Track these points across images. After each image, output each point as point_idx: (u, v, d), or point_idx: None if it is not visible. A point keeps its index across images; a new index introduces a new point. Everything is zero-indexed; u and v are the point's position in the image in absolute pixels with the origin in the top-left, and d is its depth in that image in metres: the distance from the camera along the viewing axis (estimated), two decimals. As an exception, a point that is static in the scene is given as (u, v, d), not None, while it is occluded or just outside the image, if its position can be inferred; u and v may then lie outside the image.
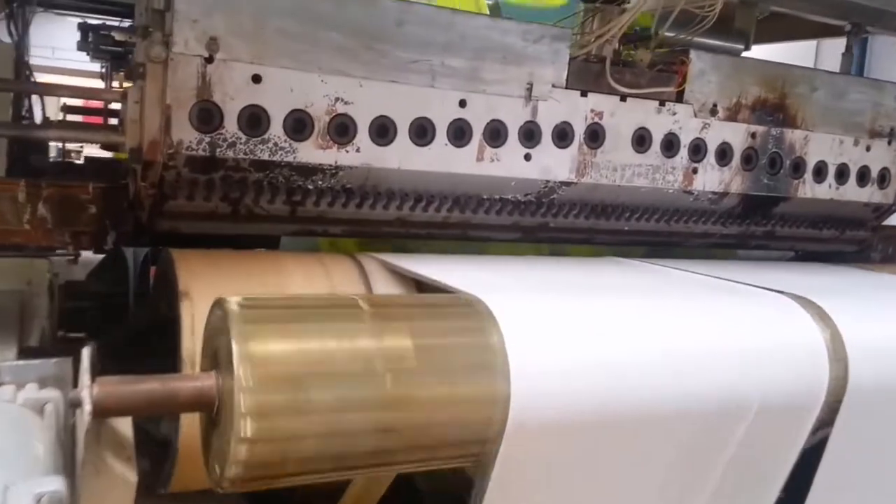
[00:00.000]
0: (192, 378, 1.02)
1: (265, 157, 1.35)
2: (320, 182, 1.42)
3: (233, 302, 1.01)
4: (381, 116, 1.41)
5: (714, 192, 1.74)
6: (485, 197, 1.57)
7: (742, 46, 1.99)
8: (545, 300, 1.18)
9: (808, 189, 1.84)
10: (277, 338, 1.00)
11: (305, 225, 1.48)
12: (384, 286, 1.34)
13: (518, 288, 1.29)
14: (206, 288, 1.21)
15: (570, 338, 1.09)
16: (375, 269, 1.33)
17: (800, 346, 1.19)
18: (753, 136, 1.75)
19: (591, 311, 1.16)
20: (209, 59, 1.28)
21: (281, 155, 1.36)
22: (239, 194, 1.39)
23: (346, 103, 1.38)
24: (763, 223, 1.89)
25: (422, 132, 1.45)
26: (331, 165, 1.40)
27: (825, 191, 1.87)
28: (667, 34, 1.76)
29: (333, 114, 1.38)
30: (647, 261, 1.62)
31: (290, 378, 0.97)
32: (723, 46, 1.91)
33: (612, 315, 1.16)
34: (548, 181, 1.57)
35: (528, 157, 1.54)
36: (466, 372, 1.03)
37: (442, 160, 1.47)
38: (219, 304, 1.01)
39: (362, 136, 1.40)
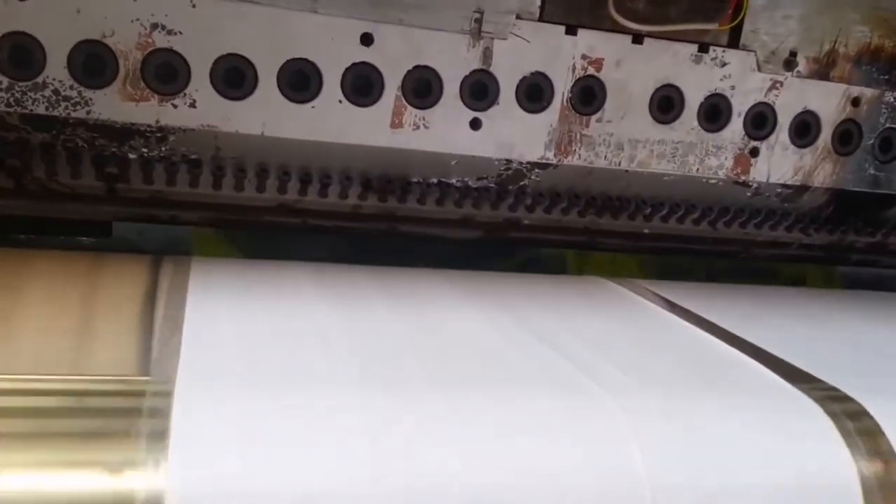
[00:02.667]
0: None
1: (41, 110, 0.90)
2: (144, 150, 0.96)
3: None
4: (231, 56, 0.93)
5: (785, 185, 1.16)
6: (414, 180, 1.07)
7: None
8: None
9: (942, 186, 1.22)
10: None
11: (139, 208, 1.03)
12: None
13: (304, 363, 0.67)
14: None
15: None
16: (169, 284, 0.85)
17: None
18: (856, 102, 1.15)
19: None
20: (-62, -42, 0.84)
21: (67, 108, 0.91)
22: (20, 163, 0.95)
23: (170, 33, 0.91)
24: (867, 231, 1.28)
25: (300, 82, 0.96)
26: (151, 126, 0.94)
27: (970, 188, 1.24)
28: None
29: (150, 48, 0.91)
30: (658, 286, 1.07)
31: None
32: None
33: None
34: (509, 161, 1.05)
35: (476, 125, 1.02)
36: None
37: (334, 125, 0.98)
38: None
39: (199, 84, 0.93)
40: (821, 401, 0.68)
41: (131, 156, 0.97)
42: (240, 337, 0.68)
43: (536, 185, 1.10)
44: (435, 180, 1.07)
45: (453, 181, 1.07)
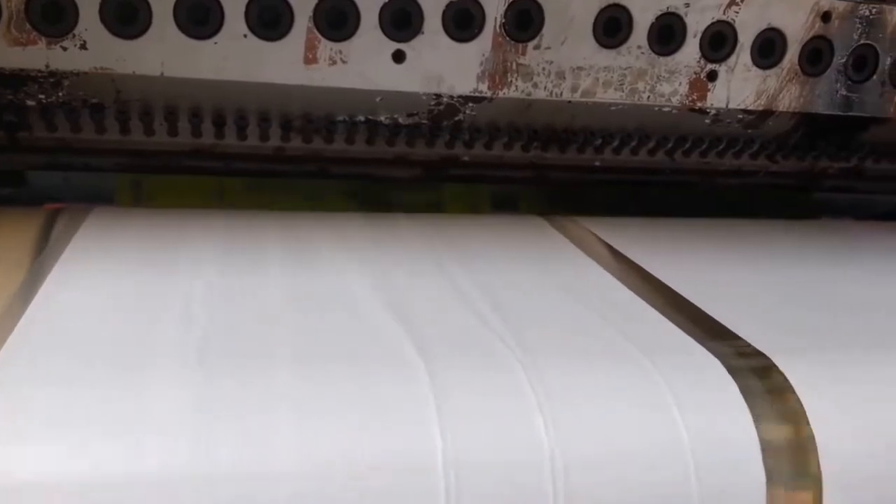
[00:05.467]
0: None
1: (-80, 59, 0.84)
2: (41, 96, 0.90)
3: None
4: (121, -10, 0.86)
5: (747, 111, 1.08)
6: (339, 118, 1.00)
7: None
8: None
9: (923, 106, 1.13)
10: None
11: (49, 156, 0.98)
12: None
13: None
14: None
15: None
16: (55, 242, 0.79)
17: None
18: (826, 17, 1.06)
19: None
20: None
21: (-52, 56, 0.85)
22: None
23: (51, -31, 0.84)
24: (842, 157, 1.20)
25: (200, 15, 0.88)
26: (42, 71, 0.87)
27: (955, 108, 1.14)
28: None
29: (31, -13, 0.84)
30: (602, 224, 1.00)
31: None
32: None
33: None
34: (439, 96, 0.98)
35: (399, 57, 0.94)
36: None
37: (241, 62, 0.91)
38: None
39: (89, 24, 0.86)
40: (733, 368, 0.61)
41: (29, 103, 0.91)
42: (93, 305, 0.63)
43: (473, 120, 1.02)
44: (362, 118, 1.00)
45: (382, 118, 1.00)
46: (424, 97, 0.97)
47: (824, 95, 1.09)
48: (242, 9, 0.89)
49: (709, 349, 0.62)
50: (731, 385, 0.59)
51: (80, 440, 0.47)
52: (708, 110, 1.06)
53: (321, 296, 0.68)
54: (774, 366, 0.62)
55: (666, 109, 1.05)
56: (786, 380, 0.61)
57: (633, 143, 1.10)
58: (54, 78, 0.88)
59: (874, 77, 1.09)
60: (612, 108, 1.03)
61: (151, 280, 0.68)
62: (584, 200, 1.21)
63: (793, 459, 0.57)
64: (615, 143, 1.09)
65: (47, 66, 0.87)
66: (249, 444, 0.50)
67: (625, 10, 0.99)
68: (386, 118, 1.00)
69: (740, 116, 1.08)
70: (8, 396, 0.49)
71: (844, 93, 1.09)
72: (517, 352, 0.59)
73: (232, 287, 0.68)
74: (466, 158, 1.08)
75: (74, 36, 0.86)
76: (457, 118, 1.01)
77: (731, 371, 0.60)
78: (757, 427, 0.57)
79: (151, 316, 0.61)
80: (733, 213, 1.23)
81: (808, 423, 0.58)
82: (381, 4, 0.92)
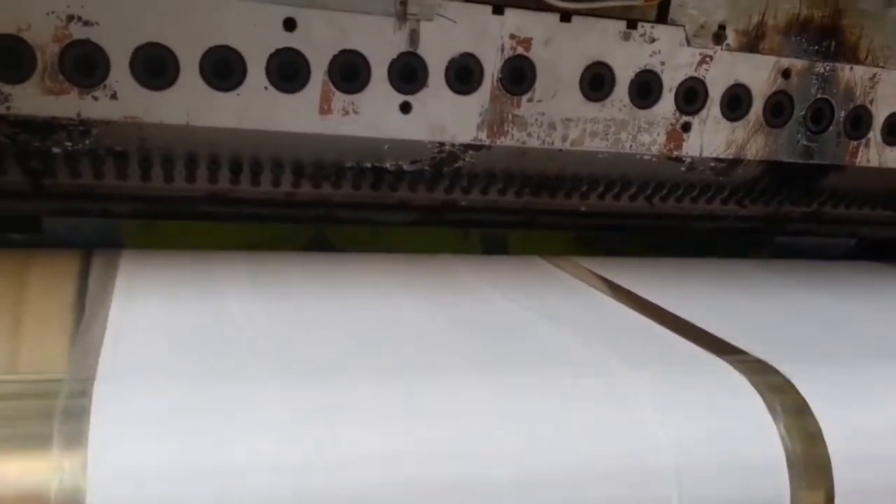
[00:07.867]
0: None
1: (-42, 107, 0.89)
2: (68, 143, 0.95)
3: None
4: (151, 45, 0.92)
5: (718, 159, 1.17)
6: (348, 165, 1.06)
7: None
8: None
9: (874, 154, 1.24)
10: None
11: (69, 202, 1.02)
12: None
13: None
14: None
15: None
16: (97, 280, 0.84)
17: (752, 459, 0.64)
18: (787, 74, 1.16)
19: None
20: None
21: (-15, 104, 0.89)
22: (-60, 161, 0.93)
23: (87, 24, 0.89)
24: (804, 202, 1.30)
25: (224, 69, 0.95)
26: (73, 119, 0.92)
27: (902, 157, 1.26)
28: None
29: (67, 40, 0.89)
30: (595, 263, 1.07)
31: None
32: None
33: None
34: (442, 144, 1.05)
35: (406, 108, 1.02)
36: None
37: (262, 113, 0.97)
38: None
39: (120, 75, 0.92)
40: (750, 377, 0.68)
41: (55, 150, 0.95)
42: (163, 332, 0.68)
43: (471, 167, 1.10)
44: (369, 165, 1.07)
45: (387, 165, 1.07)
46: (429, 145, 1.04)
47: (787, 145, 1.19)
48: (264, 63, 0.95)
49: (727, 361, 0.69)
50: (752, 391, 0.66)
51: (189, 445, 0.52)
52: (684, 158, 1.15)
53: (369, 320, 0.74)
54: (776, 370, 0.69)
55: (647, 157, 1.14)
56: (794, 386, 0.68)
57: (616, 190, 1.18)
58: (84, 126, 0.93)
59: (831, 128, 1.20)
60: (600, 156, 1.11)
61: (208, 315, 0.73)
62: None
63: (805, 459, 0.64)
64: (600, 190, 1.17)
65: (78, 115, 0.92)
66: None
67: (607, 68, 1.08)
68: (391, 165, 1.07)
69: (712, 164, 1.17)
70: (118, 407, 0.53)
71: (805, 142, 1.20)
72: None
73: (285, 317, 0.73)
74: (464, 203, 1.15)
75: (106, 86, 0.91)
76: (457, 165, 1.09)
77: (744, 373, 0.67)
78: (781, 439, 0.64)
79: (223, 345, 0.66)
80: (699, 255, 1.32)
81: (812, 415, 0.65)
82: (389, 60, 0.99)
